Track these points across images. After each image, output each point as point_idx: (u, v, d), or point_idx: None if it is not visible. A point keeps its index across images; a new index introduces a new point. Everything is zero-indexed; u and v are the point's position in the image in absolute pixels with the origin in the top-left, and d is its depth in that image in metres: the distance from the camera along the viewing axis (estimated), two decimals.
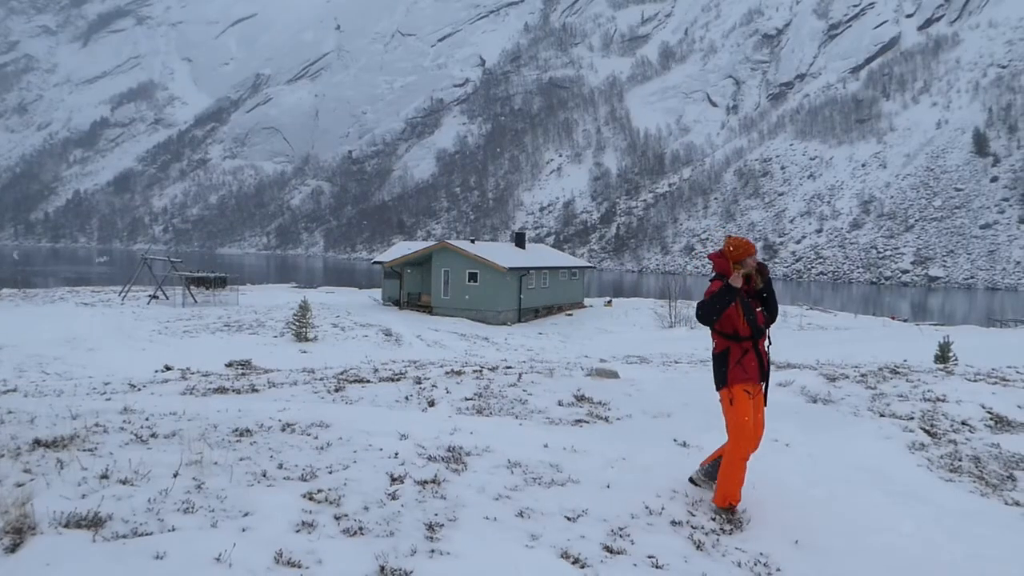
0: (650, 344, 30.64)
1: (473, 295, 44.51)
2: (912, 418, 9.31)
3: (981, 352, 25.85)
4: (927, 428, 8.85)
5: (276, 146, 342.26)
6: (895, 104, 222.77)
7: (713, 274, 5.68)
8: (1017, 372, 19.54)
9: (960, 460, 8.31)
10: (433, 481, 5.40)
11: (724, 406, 5.64)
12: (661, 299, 49.11)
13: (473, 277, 44.72)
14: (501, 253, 48.34)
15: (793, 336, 33.80)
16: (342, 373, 11.96)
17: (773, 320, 5.75)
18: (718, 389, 5.68)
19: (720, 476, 5.62)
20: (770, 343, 5.79)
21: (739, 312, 5.54)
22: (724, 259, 5.58)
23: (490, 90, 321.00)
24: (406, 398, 9.18)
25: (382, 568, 3.95)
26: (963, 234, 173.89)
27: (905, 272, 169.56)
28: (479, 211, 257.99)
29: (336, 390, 9.68)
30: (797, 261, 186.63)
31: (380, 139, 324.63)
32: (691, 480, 6.07)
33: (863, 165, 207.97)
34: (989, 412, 10.46)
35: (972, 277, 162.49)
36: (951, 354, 21.61)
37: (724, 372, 5.59)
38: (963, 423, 9.99)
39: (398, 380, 10.43)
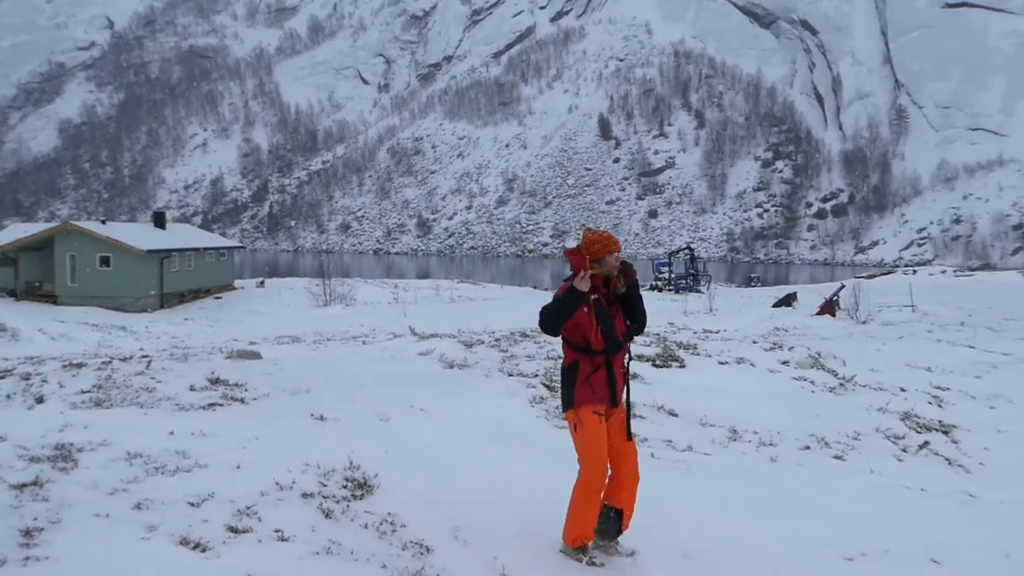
0: (305, 324, 30.33)
1: (107, 281, 40.63)
2: (536, 375, 10.20)
3: None
4: (547, 383, 9.76)
5: None
6: (533, 89, 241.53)
7: (570, 273, 4.71)
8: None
9: None
10: (34, 483, 4.91)
11: (571, 432, 4.76)
12: (317, 278, 48.64)
13: (106, 261, 40.82)
14: (138, 234, 44.67)
15: (444, 308, 35.43)
16: None
17: (640, 331, 4.87)
18: (564, 411, 4.81)
19: (570, 512, 4.70)
20: (631, 358, 4.96)
21: (592, 320, 4.62)
22: (581, 256, 4.63)
23: (121, 56, 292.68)
24: (7, 396, 8.16)
25: None
26: (593, 209, 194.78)
27: (545, 245, 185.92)
28: (114, 189, 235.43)
29: None
30: (449, 237, 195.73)
31: None
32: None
33: (507, 145, 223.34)
34: None
35: None
36: None
37: (570, 391, 4.71)
38: None
39: (1, 378, 9.23)
